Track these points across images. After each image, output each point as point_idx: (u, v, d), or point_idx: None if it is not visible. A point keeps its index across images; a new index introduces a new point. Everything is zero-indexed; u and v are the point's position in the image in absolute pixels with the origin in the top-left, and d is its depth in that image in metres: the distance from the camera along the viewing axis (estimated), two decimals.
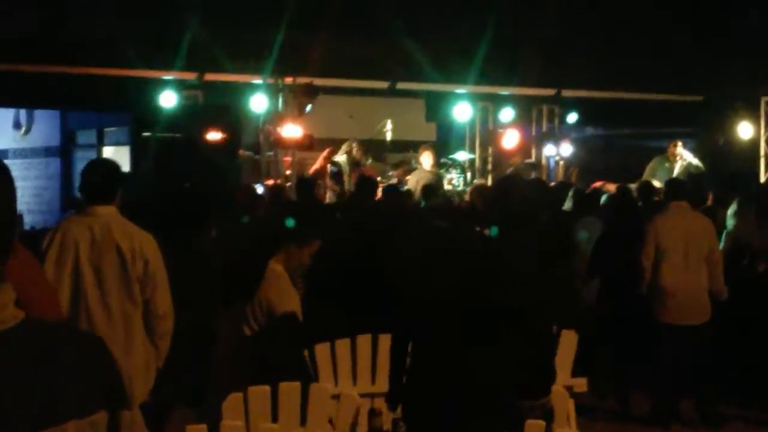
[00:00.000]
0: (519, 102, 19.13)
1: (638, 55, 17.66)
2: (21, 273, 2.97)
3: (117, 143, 19.16)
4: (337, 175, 16.57)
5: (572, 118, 19.18)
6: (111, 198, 6.75)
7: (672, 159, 17.54)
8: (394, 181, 16.31)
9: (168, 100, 16.40)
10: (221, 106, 17.32)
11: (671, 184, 11.66)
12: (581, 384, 8.73)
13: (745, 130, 19.71)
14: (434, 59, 16.76)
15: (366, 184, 13.03)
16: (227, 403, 6.06)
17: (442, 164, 17.77)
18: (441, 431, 5.48)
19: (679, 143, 17.86)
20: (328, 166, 16.73)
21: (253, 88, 16.96)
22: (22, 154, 20.95)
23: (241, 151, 17.54)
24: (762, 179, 18.71)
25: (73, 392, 2.10)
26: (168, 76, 16.31)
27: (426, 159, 17.09)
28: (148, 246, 6.72)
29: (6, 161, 2.34)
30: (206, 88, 17.05)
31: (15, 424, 2.04)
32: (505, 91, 18.71)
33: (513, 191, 11.16)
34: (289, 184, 16.89)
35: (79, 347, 2.25)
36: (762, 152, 19.79)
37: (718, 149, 20.19)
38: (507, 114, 19.07)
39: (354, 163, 16.74)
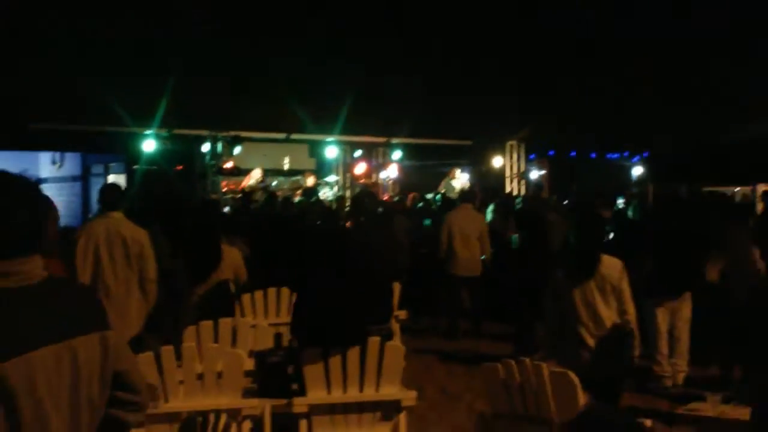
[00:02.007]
0: (365, 145, 19.22)
1: (436, 114, 17.60)
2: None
3: (117, 173, 18.55)
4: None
5: (397, 155, 19.28)
6: (119, 206, 6.85)
7: (452, 178, 17.85)
8: (288, 194, 16.28)
9: (149, 146, 16.06)
10: (183, 149, 17.07)
11: (464, 192, 12.10)
12: (403, 314, 8.76)
13: (497, 161, 20.21)
14: (314, 119, 16.76)
15: (274, 198, 13.65)
16: (186, 333, 5.92)
17: (319, 183, 17.76)
18: (325, 344, 5.21)
19: (457, 170, 18.19)
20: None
21: (202, 138, 16.75)
22: (57, 180, 20.13)
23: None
24: (507, 191, 19.22)
25: (77, 319, 2.16)
26: (149, 131, 15.97)
27: (310, 180, 17.27)
28: (143, 236, 6.77)
29: (45, 186, 2.32)
30: (174, 139, 16.69)
31: (44, 336, 2.09)
32: (357, 139, 18.74)
33: (364, 201, 11.34)
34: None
35: (79, 293, 2.34)
36: (507, 174, 20.29)
37: (482, 173, 20.66)
38: (358, 153, 19.21)
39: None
